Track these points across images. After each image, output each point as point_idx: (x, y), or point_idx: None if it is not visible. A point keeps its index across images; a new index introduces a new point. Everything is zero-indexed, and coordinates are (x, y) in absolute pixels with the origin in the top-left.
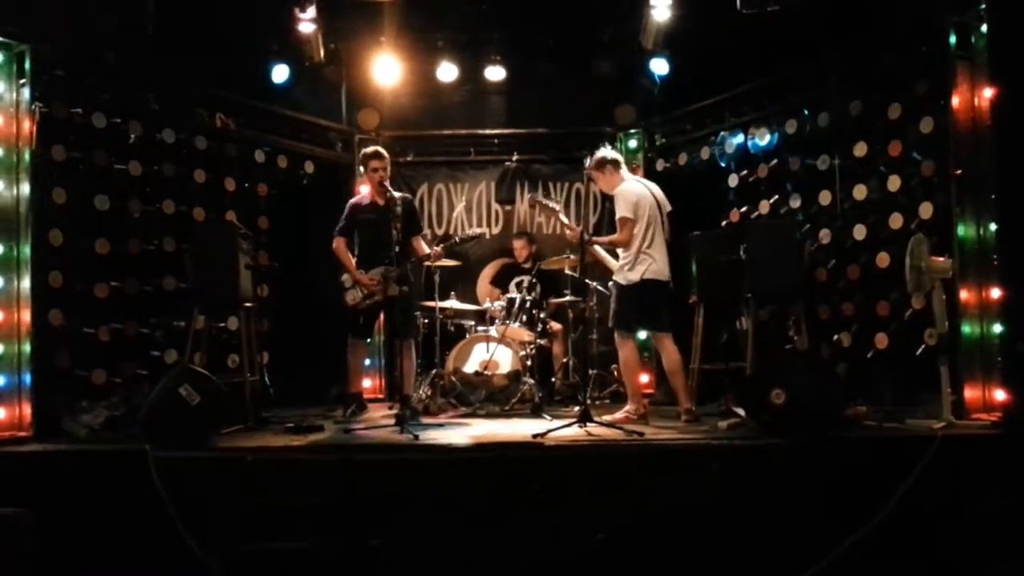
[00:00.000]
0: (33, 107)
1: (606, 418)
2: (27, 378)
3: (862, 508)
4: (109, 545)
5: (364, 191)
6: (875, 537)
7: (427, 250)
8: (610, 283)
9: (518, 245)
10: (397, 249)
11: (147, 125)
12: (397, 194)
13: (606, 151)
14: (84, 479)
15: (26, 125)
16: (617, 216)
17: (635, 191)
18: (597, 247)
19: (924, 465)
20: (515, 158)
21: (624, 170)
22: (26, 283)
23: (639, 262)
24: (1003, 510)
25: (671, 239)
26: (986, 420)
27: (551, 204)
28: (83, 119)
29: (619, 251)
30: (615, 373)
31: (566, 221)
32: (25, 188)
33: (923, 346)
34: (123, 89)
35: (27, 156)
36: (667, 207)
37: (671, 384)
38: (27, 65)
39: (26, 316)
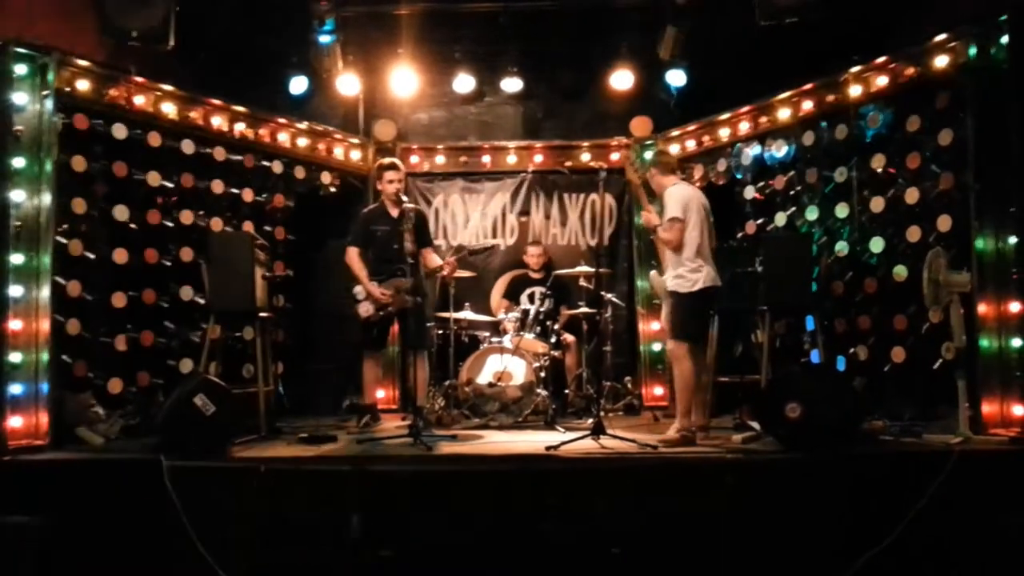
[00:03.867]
0: (55, 118)
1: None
2: (44, 387)
3: (878, 523)
4: (123, 554)
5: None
6: (891, 553)
7: (438, 262)
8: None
9: (534, 252)
10: (411, 261)
11: (166, 136)
12: (410, 205)
13: (661, 147)
14: (99, 488)
15: (48, 136)
16: (666, 216)
17: (684, 193)
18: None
19: (941, 481)
20: (531, 170)
21: (672, 175)
22: (45, 292)
23: (700, 269)
24: (1021, 527)
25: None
26: (1004, 435)
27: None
28: (104, 130)
29: (677, 256)
30: (628, 385)
31: (648, 206)
32: (46, 198)
33: (940, 360)
34: (143, 100)
35: (48, 166)
36: (711, 217)
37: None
38: (50, 76)
39: (44, 325)
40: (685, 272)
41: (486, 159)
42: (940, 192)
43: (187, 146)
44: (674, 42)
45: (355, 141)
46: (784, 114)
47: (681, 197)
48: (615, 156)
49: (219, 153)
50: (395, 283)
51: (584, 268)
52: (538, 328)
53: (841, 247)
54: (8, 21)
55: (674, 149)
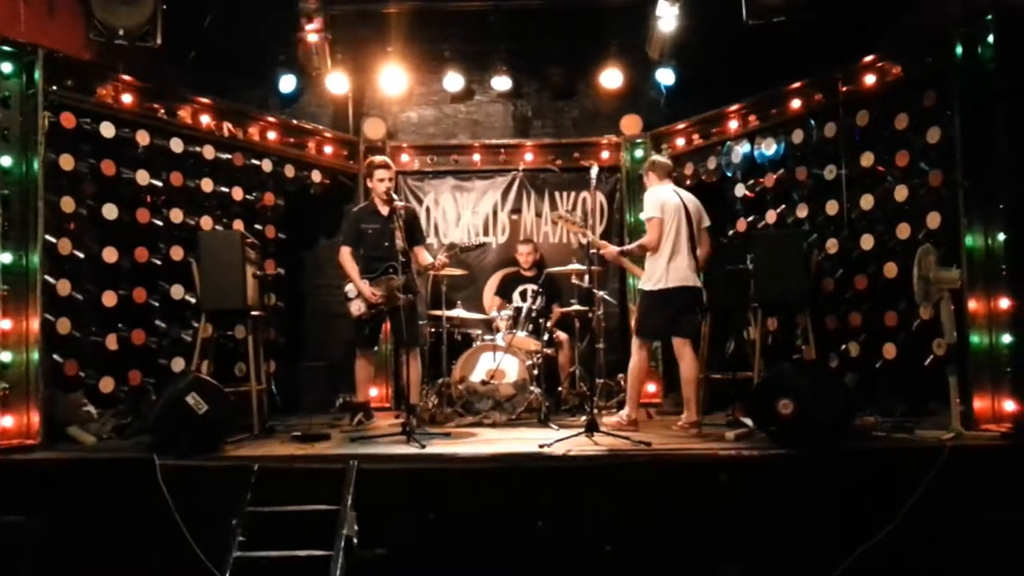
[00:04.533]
0: (42, 116)
1: (610, 419)
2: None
3: (871, 519)
4: (115, 553)
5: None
6: (884, 548)
7: (430, 260)
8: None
9: (524, 251)
10: (402, 259)
11: (155, 135)
12: (400, 203)
13: (656, 156)
14: (91, 487)
15: (35, 134)
16: (644, 217)
17: (660, 194)
18: (626, 260)
19: (933, 476)
20: (521, 168)
21: (665, 179)
22: (35, 292)
23: (664, 268)
24: (1012, 523)
25: (710, 252)
26: (995, 431)
27: (577, 222)
28: (91, 128)
29: (651, 255)
30: (622, 382)
31: (593, 238)
32: (34, 197)
33: (931, 356)
34: (131, 99)
35: (36, 165)
36: (705, 221)
37: (683, 393)
38: (36, 75)
39: (34, 324)
40: (648, 268)
41: (476, 157)
42: (929, 189)
43: (176, 144)
44: (663, 41)
45: (345, 139)
46: (773, 112)
47: (655, 197)
48: (605, 154)
49: (208, 151)
50: (386, 281)
51: (576, 266)
52: (531, 326)
53: (831, 244)
54: None
55: (663, 147)
